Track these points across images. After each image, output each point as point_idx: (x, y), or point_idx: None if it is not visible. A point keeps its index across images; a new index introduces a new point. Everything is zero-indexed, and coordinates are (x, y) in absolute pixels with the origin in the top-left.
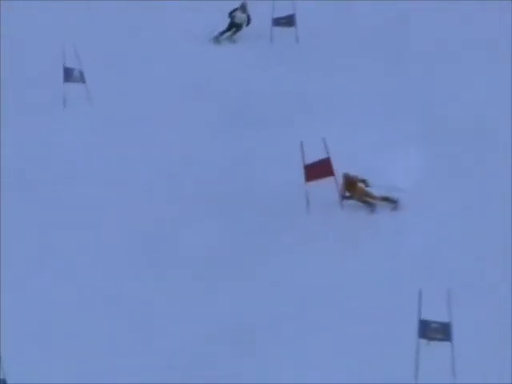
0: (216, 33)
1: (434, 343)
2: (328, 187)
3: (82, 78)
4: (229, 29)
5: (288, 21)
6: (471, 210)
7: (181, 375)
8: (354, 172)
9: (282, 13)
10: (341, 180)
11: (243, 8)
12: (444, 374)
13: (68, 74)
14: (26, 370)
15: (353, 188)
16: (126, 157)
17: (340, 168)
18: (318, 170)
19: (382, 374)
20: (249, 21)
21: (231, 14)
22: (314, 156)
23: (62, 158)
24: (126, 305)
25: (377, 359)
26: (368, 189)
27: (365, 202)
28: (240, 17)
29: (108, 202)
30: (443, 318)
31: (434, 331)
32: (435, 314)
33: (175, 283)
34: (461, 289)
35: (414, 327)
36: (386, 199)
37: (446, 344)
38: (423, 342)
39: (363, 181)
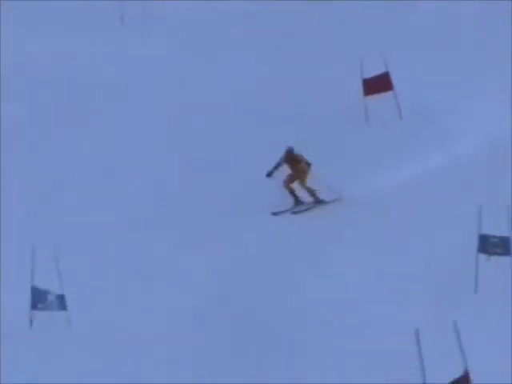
0: None
1: (493, 258)
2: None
3: None
4: None
5: None
6: None
7: None
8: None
9: None
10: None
11: None
12: (504, 288)
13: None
14: None
15: (295, 164)
16: None
17: None
18: (377, 84)
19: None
20: None
21: None
22: None
23: None
24: None
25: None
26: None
27: (291, 192)
28: None
29: None
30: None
31: (493, 246)
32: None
33: None
34: None
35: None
36: (313, 193)
37: (505, 259)
38: (483, 256)
39: (307, 163)
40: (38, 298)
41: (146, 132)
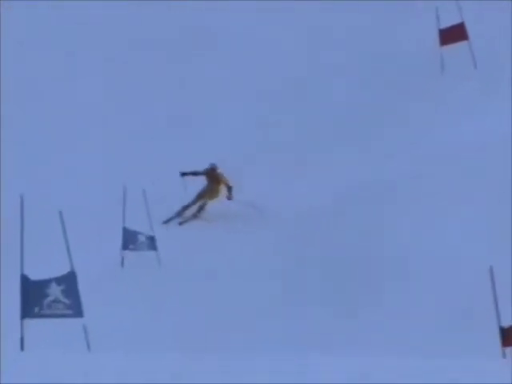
0: None
1: None
2: None
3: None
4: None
5: None
6: None
7: None
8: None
9: None
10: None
11: None
12: None
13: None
14: None
15: (213, 180)
16: None
17: None
18: (453, 34)
19: None
20: None
21: None
22: None
23: None
24: None
25: None
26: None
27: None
28: None
29: None
30: None
31: None
32: None
33: None
34: None
35: None
36: (201, 208)
37: None
38: None
39: (229, 187)
40: (130, 239)
41: None
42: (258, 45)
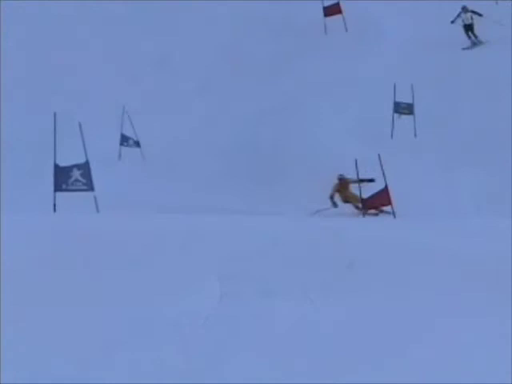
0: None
1: None
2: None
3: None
4: (467, 33)
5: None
6: None
7: None
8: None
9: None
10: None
11: (464, 9)
12: None
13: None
14: None
15: (344, 190)
16: None
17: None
18: (332, 9)
19: None
20: (478, 13)
21: (453, 22)
22: None
23: None
24: None
25: None
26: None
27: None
28: (465, 17)
29: None
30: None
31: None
32: None
33: None
34: None
35: None
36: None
37: None
38: None
39: (356, 181)
40: (124, 140)
41: None
42: None
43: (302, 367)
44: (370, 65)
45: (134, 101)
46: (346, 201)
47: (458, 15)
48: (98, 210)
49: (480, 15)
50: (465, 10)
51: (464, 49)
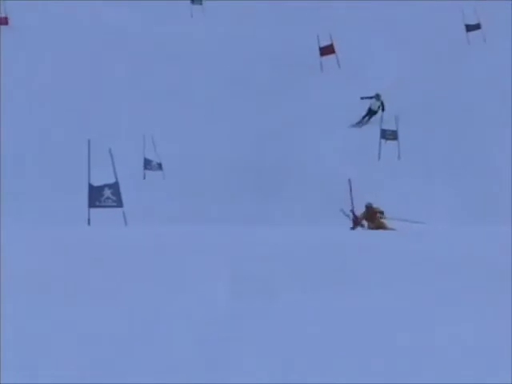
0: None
1: None
2: None
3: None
4: (366, 116)
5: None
6: None
7: None
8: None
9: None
10: (363, 210)
11: (377, 97)
12: None
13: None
14: None
15: (371, 219)
16: None
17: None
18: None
19: None
20: (383, 107)
21: (363, 99)
22: None
23: None
24: None
25: None
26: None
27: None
28: (374, 104)
29: None
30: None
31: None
32: None
33: None
34: None
35: None
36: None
37: None
38: None
39: (381, 212)
40: (147, 164)
41: None
42: None
43: (303, 366)
44: (359, 94)
45: (155, 126)
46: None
47: (370, 98)
48: (126, 223)
49: (383, 110)
50: (377, 97)
51: (355, 124)
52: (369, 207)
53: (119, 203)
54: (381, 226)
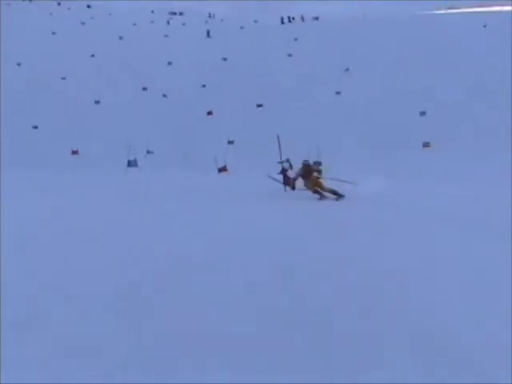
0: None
1: None
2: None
3: None
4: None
5: None
6: None
7: None
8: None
9: None
10: (299, 166)
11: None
12: None
13: None
14: None
15: (307, 176)
16: None
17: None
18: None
19: None
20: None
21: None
22: None
23: None
24: None
25: None
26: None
27: (315, 191)
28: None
29: None
30: None
31: None
32: None
33: None
34: None
35: None
36: (333, 192)
37: None
38: None
39: (318, 171)
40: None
41: None
42: None
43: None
44: None
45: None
46: (309, 186)
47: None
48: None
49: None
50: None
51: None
52: (305, 164)
53: None
54: (317, 185)
